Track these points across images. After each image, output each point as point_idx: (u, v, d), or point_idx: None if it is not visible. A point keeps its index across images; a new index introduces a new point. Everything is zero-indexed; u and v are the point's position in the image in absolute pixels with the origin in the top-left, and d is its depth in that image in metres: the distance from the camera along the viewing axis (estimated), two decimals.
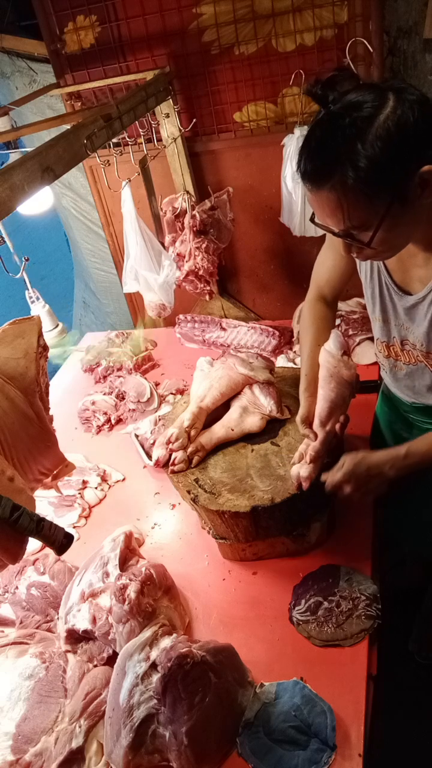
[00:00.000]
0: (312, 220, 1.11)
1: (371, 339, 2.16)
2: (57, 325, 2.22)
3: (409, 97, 0.95)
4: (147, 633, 1.28)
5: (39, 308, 2.13)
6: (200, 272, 2.37)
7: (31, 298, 2.10)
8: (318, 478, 1.32)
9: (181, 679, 1.16)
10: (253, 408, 1.56)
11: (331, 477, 1.28)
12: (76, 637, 1.39)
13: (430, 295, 1.19)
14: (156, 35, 2.17)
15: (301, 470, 1.32)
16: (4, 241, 1.28)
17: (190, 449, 1.48)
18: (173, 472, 1.48)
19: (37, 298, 2.11)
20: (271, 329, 2.34)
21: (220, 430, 1.53)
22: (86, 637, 1.39)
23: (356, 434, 1.80)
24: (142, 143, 2.10)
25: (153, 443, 1.94)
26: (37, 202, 2.16)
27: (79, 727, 1.21)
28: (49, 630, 1.48)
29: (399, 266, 1.26)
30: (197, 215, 2.28)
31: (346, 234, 1.06)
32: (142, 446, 1.98)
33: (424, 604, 2.10)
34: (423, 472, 1.30)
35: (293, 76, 2.07)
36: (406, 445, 1.27)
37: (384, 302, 1.33)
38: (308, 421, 1.37)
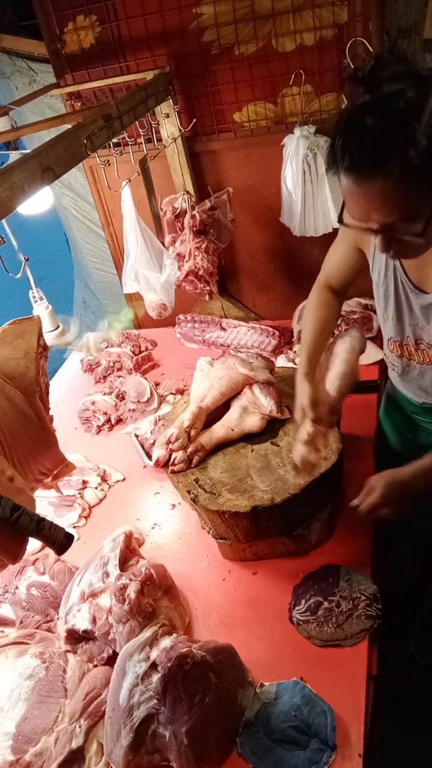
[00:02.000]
0: (341, 221, 1.07)
1: (371, 339, 2.16)
2: (57, 326, 2.22)
3: None
4: (147, 633, 1.28)
5: (42, 308, 2.13)
6: (200, 272, 2.37)
7: (34, 297, 2.09)
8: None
9: (181, 679, 1.16)
10: (253, 408, 1.56)
11: (367, 501, 1.27)
12: (76, 637, 1.39)
13: None
14: (156, 35, 2.17)
15: (311, 456, 1.32)
16: (5, 241, 1.28)
17: (190, 449, 1.48)
18: (173, 472, 1.48)
19: (41, 298, 2.11)
20: (271, 329, 2.34)
21: (220, 430, 1.53)
22: (86, 637, 1.39)
23: (357, 434, 1.80)
24: (142, 143, 2.10)
25: (153, 443, 1.94)
26: (37, 202, 2.15)
27: (79, 727, 1.21)
28: (49, 630, 1.48)
29: (416, 264, 1.24)
30: (197, 215, 2.28)
31: (391, 228, 1.00)
32: (142, 446, 1.98)
33: (424, 604, 2.10)
34: None
35: (293, 76, 2.07)
36: (424, 458, 1.27)
37: (399, 300, 1.31)
38: (317, 405, 1.34)
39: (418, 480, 1.27)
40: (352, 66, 1.84)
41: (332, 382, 1.36)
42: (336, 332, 1.87)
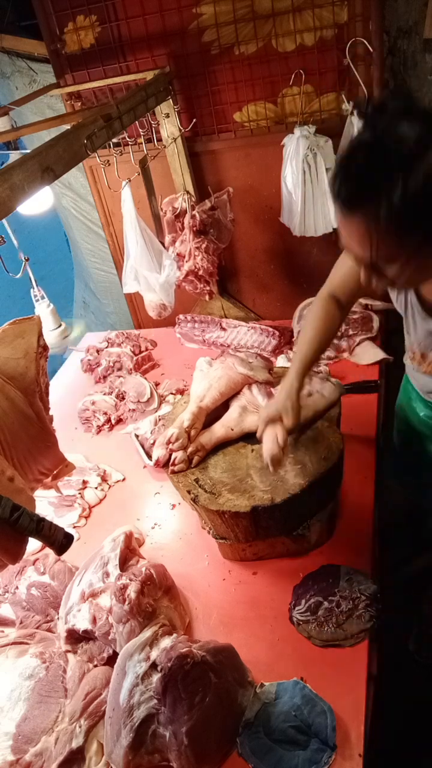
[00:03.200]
0: (339, 243, 1.08)
1: (371, 339, 2.16)
2: (60, 325, 2.22)
3: None
4: (147, 633, 1.28)
5: (44, 307, 2.13)
6: (200, 272, 2.37)
7: (35, 296, 2.09)
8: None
9: (181, 679, 1.16)
10: (253, 408, 1.56)
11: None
12: (76, 637, 1.39)
13: None
14: (156, 35, 2.17)
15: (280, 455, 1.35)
16: (5, 241, 1.28)
17: (190, 449, 1.48)
18: (173, 472, 1.48)
19: (42, 297, 2.11)
20: (271, 329, 2.34)
21: (219, 429, 1.53)
22: (86, 637, 1.39)
23: (357, 434, 1.80)
24: (142, 143, 2.10)
25: (153, 443, 1.94)
26: (37, 202, 2.16)
27: (79, 727, 1.21)
28: (49, 630, 1.48)
29: (428, 288, 1.24)
30: (197, 215, 2.28)
31: (370, 265, 1.03)
32: (142, 446, 1.98)
33: (425, 604, 2.10)
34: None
35: (293, 76, 2.07)
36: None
37: (407, 318, 1.35)
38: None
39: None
40: (353, 67, 1.86)
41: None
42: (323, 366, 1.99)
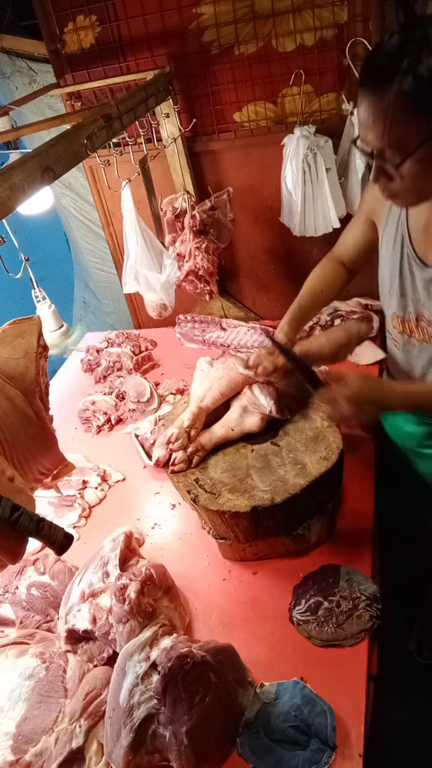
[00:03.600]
0: (353, 141, 1.14)
1: (371, 339, 2.16)
2: (61, 326, 2.22)
3: None
4: (147, 633, 1.28)
5: (45, 308, 2.13)
6: (200, 272, 2.37)
7: (37, 297, 2.09)
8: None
9: (181, 679, 1.16)
10: (253, 408, 1.56)
11: (339, 390, 1.26)
12: (76, 637, 1.39)
13: None
14: (156, 35, 2.17)
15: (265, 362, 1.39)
16: (5, 241, 1.28)
17: (190, 449, 1.48)
18: (173, 472, 1.48)
19: (44, 298, 2.11)
20: (271, 329, 2.34)
21: (220, 430, 1.53)
22: (86, 637, 1.39)
23: (357, 434, 1.80)
24: (142, 143, 2.10)
25: (153, 443, 1.94)
26: (37, 202, 2.16)
27: (79, 727, 1.21)
28: (49, 630, 1.48)
29: (423, 238, 1.27)
30: (197, 215, 2.28)
31: (380, 154, 1.06)
32: (142, 446, 1.98)
33: (425, 604, 2.10)
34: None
35: (293, 76, 2.07)
36: (410, 382, 1.32)
37: (403, 274, 1.33)
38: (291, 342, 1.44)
39: (391, 393, 1.30)
40: (353, 67, 1.86)
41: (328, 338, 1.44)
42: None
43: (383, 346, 2.14)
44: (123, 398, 2.22)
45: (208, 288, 2.47)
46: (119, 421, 2.18)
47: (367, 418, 1.28)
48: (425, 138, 1.01)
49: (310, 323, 2.23)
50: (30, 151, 1.30)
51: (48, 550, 1.63)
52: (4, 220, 1.22)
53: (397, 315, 1.41)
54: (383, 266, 1.40)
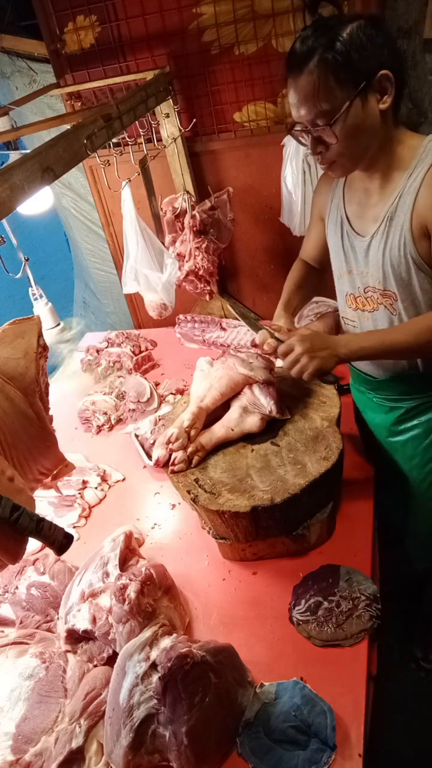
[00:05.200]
0: (289, 130, 1.29)
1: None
2: (59, 324, 2.22)
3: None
4: (147, 633, 1.28)
5: (41, 306, 2.13)
6: (200, 272, 2.37)
7: (34, 295, 2.09)
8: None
9: (181, 679, 1.16)
10: (253, 408, 1.56)
11: (294, 338, 1.38)
12: (76, 637, 1.39)
13: (381, 226, 1.34)
14: (156, 35, 2.17)
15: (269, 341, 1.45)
16: (5, 241, 1.28)
17: (190, 449, 1.48)
18: (173, 472, 1.48)
19: (40, 296, 2.11)
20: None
21: (220, 430, 1.53)
22: (86, 637, 1.39)
23: (356, 434, 1.81)
24: (142, 143, 2.10)
25: (153, 443, 1.94)
26: (37, 202, 2.16)
27: (79, 727, 1.21)
28: (49, 630, 1.48)
29: (358, 212, 1.41)
30: (197, 215, 2.28)
31: (313, 123, 1.21)
32: (142, 446, 1.98)
33: (425, 606, 2.10)
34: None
35: None
36: (364, 333, 1.42)
37: (346, 251, 1.46)
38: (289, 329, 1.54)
39: (341, 339, 1.39)
40: None
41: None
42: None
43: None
44: (123, 398, 2.22)
45: (208, 288, 2.47)
46: (119, 421, 2.18)
47: (322, 362, 1.35)
48: (348, 100, 1.16)
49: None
50: (30, 151, 1.30)
51: (48, 550, 1.63)
52: (4, 220, 1.22)
53: (349, 293, 1.51)
54: (332, 251, 1.53)
